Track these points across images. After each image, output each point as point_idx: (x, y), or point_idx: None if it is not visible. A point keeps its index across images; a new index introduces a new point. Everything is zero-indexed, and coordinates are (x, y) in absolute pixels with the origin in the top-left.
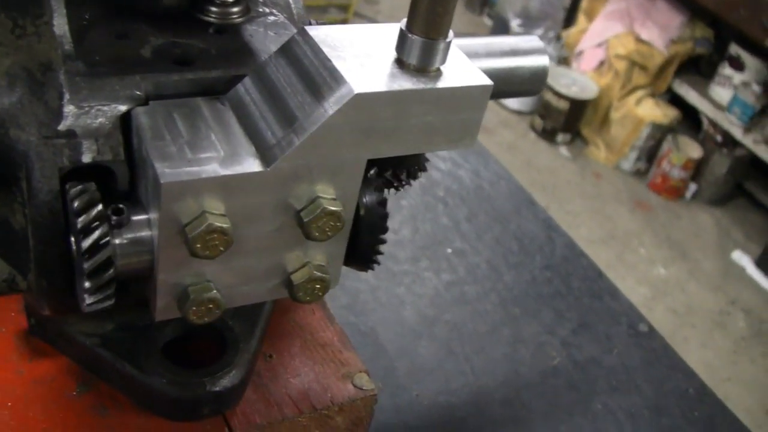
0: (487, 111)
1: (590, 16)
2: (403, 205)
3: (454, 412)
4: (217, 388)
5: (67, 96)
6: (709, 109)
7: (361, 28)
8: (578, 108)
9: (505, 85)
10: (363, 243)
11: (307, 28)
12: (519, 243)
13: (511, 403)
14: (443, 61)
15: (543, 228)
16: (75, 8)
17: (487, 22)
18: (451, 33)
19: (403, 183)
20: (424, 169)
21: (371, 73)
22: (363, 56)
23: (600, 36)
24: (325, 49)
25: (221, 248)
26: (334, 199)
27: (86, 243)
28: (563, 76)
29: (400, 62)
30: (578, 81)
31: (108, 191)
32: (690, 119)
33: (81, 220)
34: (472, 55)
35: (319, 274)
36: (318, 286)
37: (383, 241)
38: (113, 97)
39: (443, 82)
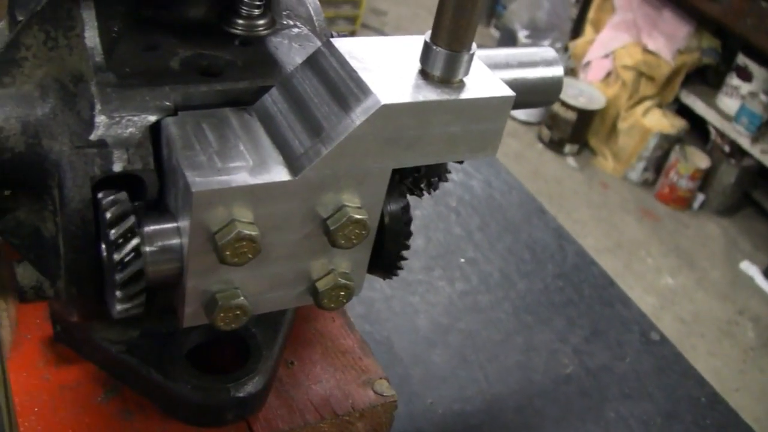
0: None
1: (597, 27)
2: (416, 215)
3: (468, 420)
4: (241, 394)
5: (98, 106)
6: (716, 119)
7: (386, 41)
8: (586, 118)
9: (524, 95)
10: (387, 250)
11: (333, 40)
12: (531, 252)
13: (524, 410)
14: (466, 73)
15: (554, 237)
16: (105, 21)
17: (495, 33)
18: (474, 45)
19: (426, 191)
20: (445, 179)
21: (397, 84)
22: (388, 68)
23: (607, 47)
24: (351, 61)
25: (250, 255)
26: (359, 208)
27: (118, 256)
28: (570, 86)
29: (424, 74)
30: (585, 92)
31: (138, 199)
32: (697, 129)
33: (113, 233)
34: (492, 65)
35: (343, 281)
36: (342, 293)
37: (407, 248)
38: (143, 107)
39: (466, 93)
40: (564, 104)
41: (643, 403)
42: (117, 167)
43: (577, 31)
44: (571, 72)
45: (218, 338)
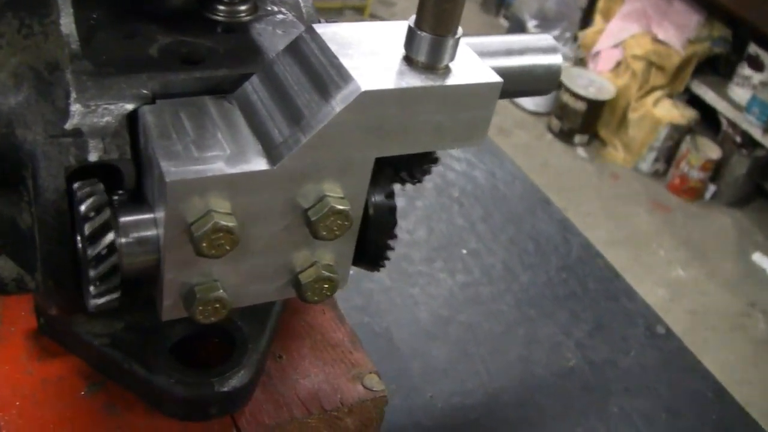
0: (503, 112)
1: (607, 17)
2: (417, 206)
3: (468, 414)
4: (226, 389)
5: (73, 95)
6: (727, 109)
7: (370, 26)
8: (595, 109)
9: (517, 83)
10: (372, 242)
11: (315, 26)
12: (534, 244)
13: (525, 404)
14: (452, 58)
15: (558, 229)
16: (82, 8)
17: (504, 23)
18: (460, 29)
19: (414, 180)
20: (435, 164)
21: (379, 70)
22: (371, 54)
23: (617, 36)
24: (333, 47)
25: (227, 247)
26: (342, 198)
27: (93, 251)
28: (580, 76)
29: (408, 59)
30: (595, 82)
31: (115, 189)
32: (708, 120)
33: (88, 227)
34: (484, 53)
35: (327, 273)
36: (326, 285)
37: (393, 239)
38: (120, 96)
39: (452, 80)
40: (573, 94)
41: (647, 398)
42: (93, 157)
43: (586, 20)
44: (580, 62)
45: (204, 331)
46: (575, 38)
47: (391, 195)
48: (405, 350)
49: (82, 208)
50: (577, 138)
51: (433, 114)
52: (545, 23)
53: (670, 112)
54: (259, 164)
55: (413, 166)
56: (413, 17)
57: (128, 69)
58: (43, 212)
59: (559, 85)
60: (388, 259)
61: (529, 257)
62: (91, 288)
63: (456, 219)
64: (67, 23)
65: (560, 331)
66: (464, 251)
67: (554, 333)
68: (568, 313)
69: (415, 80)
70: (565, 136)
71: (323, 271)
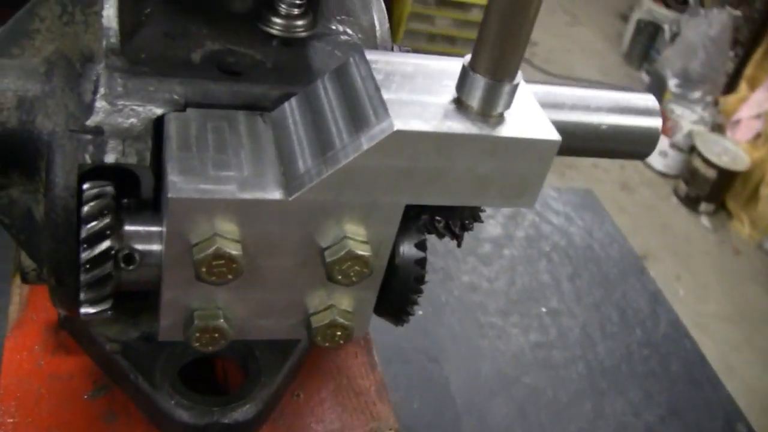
0: (629, 167)
1: (753, 85)
2: (504, 255)
3: None
4: (227, 420)
5: (102, 91)
6: None
7: (428, 60)
8: (726, 178)
9: (606, 142)
10: (396, 293)
11: (368, 51)
12: (620, 312)
13: None
14: (508, 106)
15: (649, 300)
16: (135, 1)
17: (645, 78)
18: (519, 74)
19: (450, 235)
20: (478, 220)
21: (422, 109)
22: (420, 90)
23: (760, 107)
24: (379, 77)
25: (229, 276)
26: (364, 243)
27: (87, 255)
28: (715, 143)
29: (459, 102)
30: (730, 150)
31: (131, 196)
32: None
33: (87, 229)
34: (578, 106)
35: (341, 320)
36: (339, 332)
37: (419, 293)
38: (149, 98)
39: (502, 131)
40: (705, 160)
41: None
42: (109, 158)
43: (731, 86)
44: (717, 128)
45: (221, 357)
46: (716, 103)
47: (422, 245)
48: (461, 404)
49: (85, 209)
50: (703, 206)
51: (477, 165)
52: (687, 84)
53: None
54: (274, 193)
55: (452, 219)
56: (468, 56)
57: (164, 71)
58: (52, 208)
59: (692, 149)
60: (411, 314)
61: (612, 326)
62: (81, 294)
63: (542, 275)
64: (109, 15)
65: (630, 410)
66: (544, 309)
67: (623, 412)
68: (642, 392)
69: (458, 125)
70: (691, 202)
71: (338, 317)
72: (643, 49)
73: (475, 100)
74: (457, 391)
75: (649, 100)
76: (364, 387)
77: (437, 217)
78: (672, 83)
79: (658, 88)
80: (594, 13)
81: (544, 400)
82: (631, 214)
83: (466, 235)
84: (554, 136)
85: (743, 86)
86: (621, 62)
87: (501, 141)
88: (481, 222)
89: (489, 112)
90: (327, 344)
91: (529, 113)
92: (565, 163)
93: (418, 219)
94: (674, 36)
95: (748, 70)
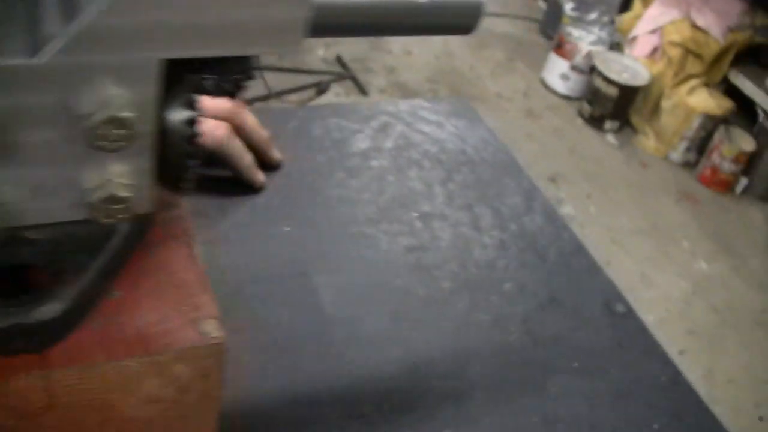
0: (533, 94)
1: (646, 2)
2: (371, 166)
3: (389, 383)
4: (29, 321)
5: None
6: (766, 101)
7: None
8: (628, 95)
9: (423, 17)
10: (169, 156)
11: None
12: (494, 211)
13: (451, 376)
14: None
15: (525, 198)
16: None
17: (542, 5)
18: None
19: (226, 92)
20: (252, 77)
21: None
22: None
23: (655, 22)
24: None
25: None
26: (124, 105)
27: None
28: (614, 62)
29: None
30: (629, 67)
31: None
32: (745, 111)
33: None
34: None
35: (118, 193)
36: (119, 206)
37: (193, 155)
38: None
39: None
40: (606, 79)
41: (594, 380)
42: None
43: (625, 5)
44: (616, 46)
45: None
46: (612, 22)
47: (191, 105)
48: (331, 314)
49: None
50: (608, 124)
51: (230, 10)
52: (583, 6)
53: (705, 101)
54: (15, 57)
55: (221, 76)
56: None
57: None
58: None
59: (592, 70)
60: (189, 180)
61: (486, 224)
62: None
63: (413, 182)
64: None
65: (507, 303)
66: (415, 214)
67: (500, 304)
68: (519, 284)
69: None
70: (596, 121)
71: (114, 190)
72: None
73: None
74: (327, 302)
75: None
76: (184, 280)
77: (205, 76)
78: (568, 7)
79: (555, 14)
80: None
81: (417, 301)
82: (538, 139)
83: (332, 150)
84: None
85: (637, 4)
86: None
87: None
88: (254, 79)
89: None
90: (108, 220)
91: None
92: (470, 95)
93: (186, 78)
94: None
95: None
